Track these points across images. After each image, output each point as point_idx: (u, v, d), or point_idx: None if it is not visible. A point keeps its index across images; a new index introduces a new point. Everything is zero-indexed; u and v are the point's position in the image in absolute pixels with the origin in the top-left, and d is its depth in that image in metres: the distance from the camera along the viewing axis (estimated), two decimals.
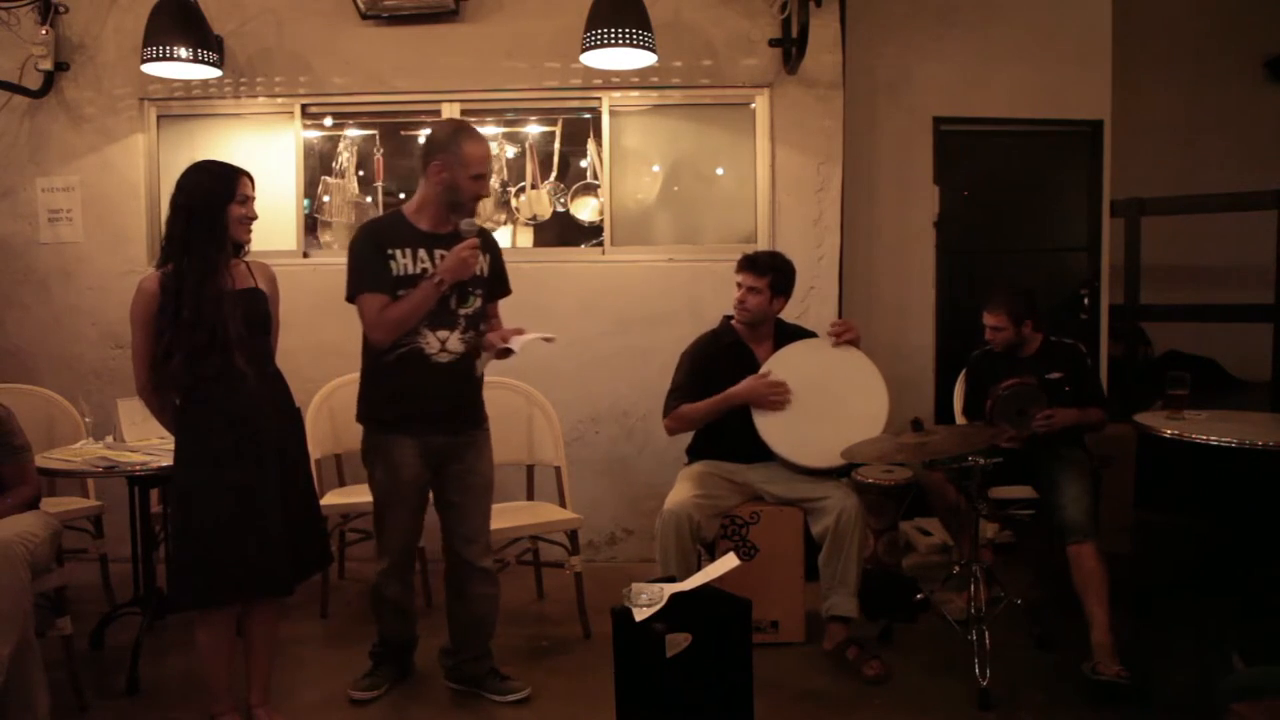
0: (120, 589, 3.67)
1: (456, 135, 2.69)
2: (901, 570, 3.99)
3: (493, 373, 2.92)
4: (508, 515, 3.36)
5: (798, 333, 3.42)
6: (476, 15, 4.22)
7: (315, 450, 3.42)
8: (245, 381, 2.47)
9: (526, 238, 4.53)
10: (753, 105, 4.27)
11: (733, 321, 3.40)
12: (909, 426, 3.10)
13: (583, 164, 4.53)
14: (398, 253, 2.68)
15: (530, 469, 3.74)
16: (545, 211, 4.51)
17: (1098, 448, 3.53)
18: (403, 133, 4.60)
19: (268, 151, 4.36)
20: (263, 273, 2.63)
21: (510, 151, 4.53)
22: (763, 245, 4.12)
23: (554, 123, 4.49)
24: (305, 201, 4.41)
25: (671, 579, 2.66)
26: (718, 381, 3.28)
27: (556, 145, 4.51)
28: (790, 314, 3.49)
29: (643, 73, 4.07)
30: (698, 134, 4.42)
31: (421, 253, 2.70)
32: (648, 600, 2.37)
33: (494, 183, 4.27)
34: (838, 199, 4.23)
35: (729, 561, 2.59)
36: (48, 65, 4.20)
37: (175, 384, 2.47)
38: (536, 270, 4.13)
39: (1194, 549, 4.11)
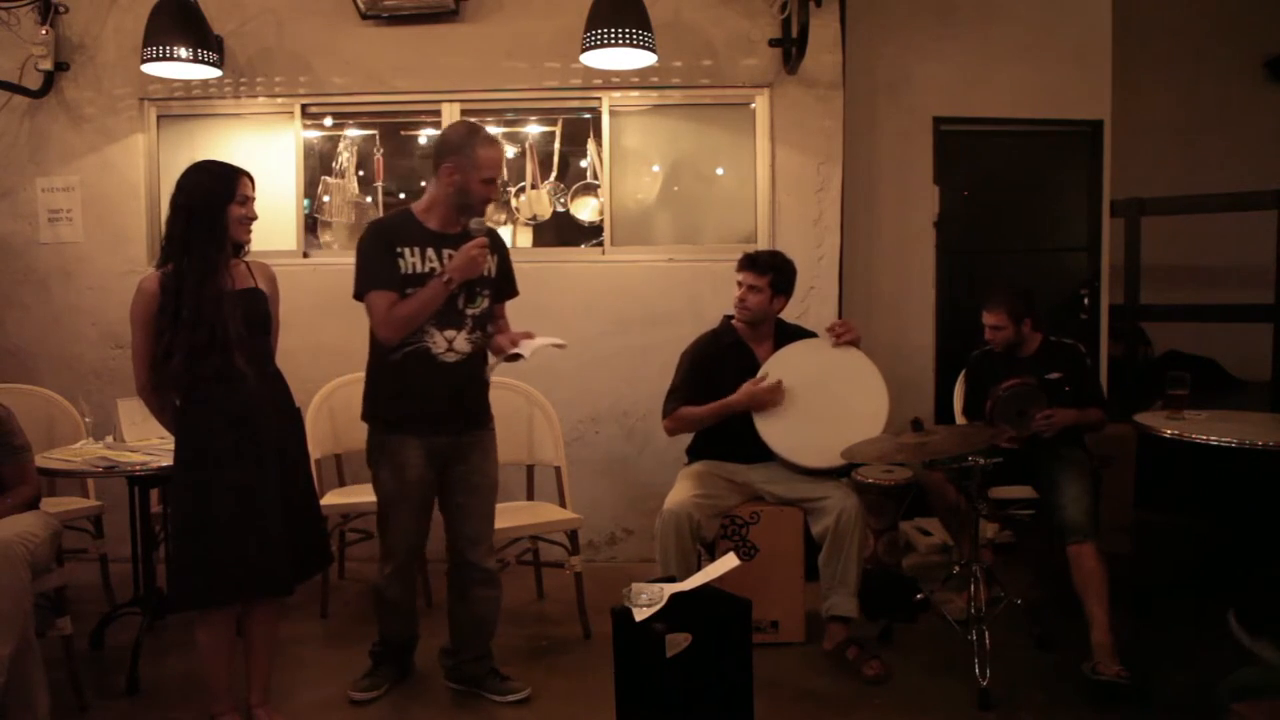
0: (120, 589, 3.67)
1: (470, 138, 2.69)
2: (901, 570, 3.99)
3: (496, 374, 2.92)
4: (508, 515, 3.36)
5: (798, 333, 3.43)
6: (476, 15, 4.22)
7: (315, 450, 3.41)
8: (245, 381, 2.47)
9: (526, 238, 4.53)
10: (753, 105, 4.27)
11: (733, 321, 3.40)
12: (909, 426, 3.10)
13: (583, 164, 4.53)
14: (406, 251, 2.68)
15: (530, 469, 3.74)
16: (545, 211, 4.52)
17: (1098, 448, 3.53)
18: (403, 133, 4.60)
19: (268, 151, 4.36)
20: (263, 273, 2.64)
21: (510, 151, 4.53)
22: (763, 245, 4.12)
23: (554, 123, 4.50)
24: (305, 201, 4.41)
25: (671, 579, 2.66)
26: (718, 381, 3.28)
27: (556, 145, 4.51)
28: (790, 314, 3.49)
29: (643, 73, 4.07)
30: (698, 134, 4.42)
31: (430, 252, 2.70)
32: (648, 600, 2.37)
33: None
34: (838, 199, 4.23)
35: (729, 561, 2.59)
36: (48, 65, 4.20)
37: (175, 384, 2.47)
38: (536, 270, 4.12)
39: (1194, 549, 4.11)
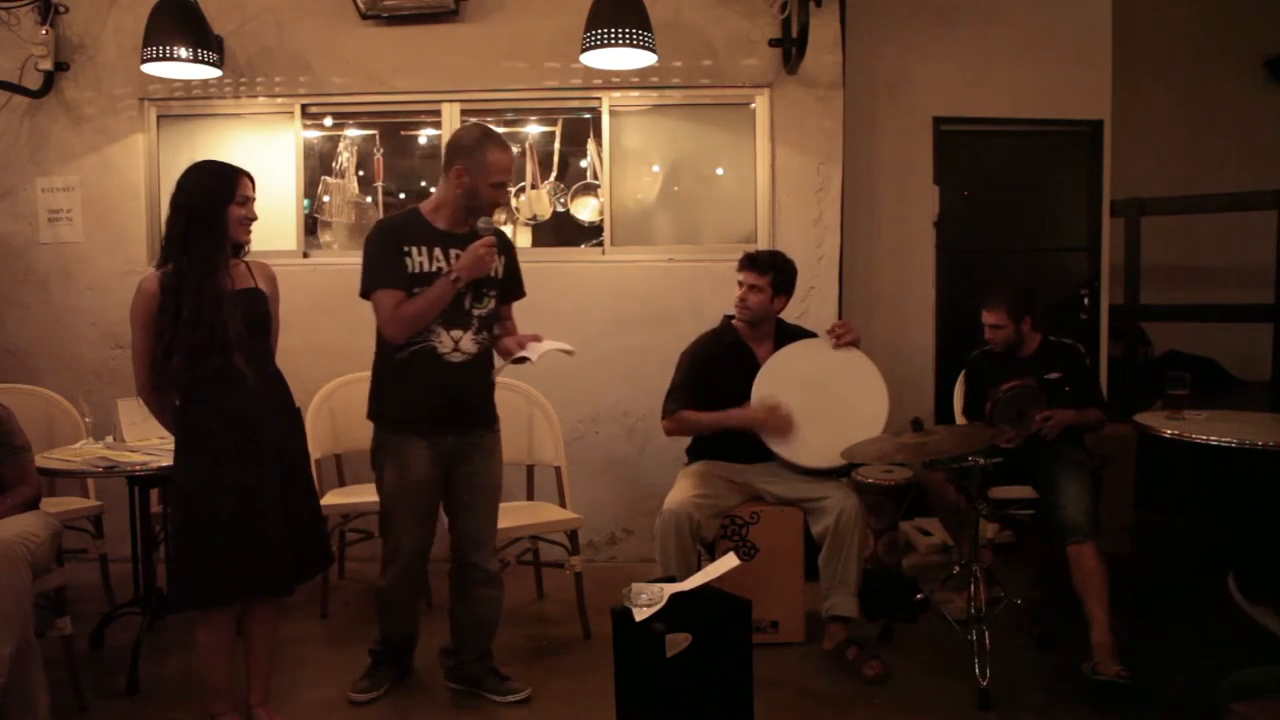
0: (120, 589, 3.67)
1: (482, 142, 2.69)
2: (901, 570, 3.99)
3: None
4: (508, 515, 3.34)
5: (798, 333, 3.42)
6: (476, 15, 4.22)
7: (315, 450, 3.41)
8: (245, 381, 2.47)
9: (526, 238, 4.52)
10: (753, 105, 4.27)
11: (733, 321, 3.40)
12: (909, 426, 3.10)
13: (583, 164, 4.53)
14: (414, 250, 2.68)
15: (530, 469, 3.74)
16: (545, 211, 4.51)
17: (1098, 448, 3.53)
18: (403, 133, 4.60)
19: (268, 151, 4.36)
20: (262, 273, 2.64)
21: None
22: (763, 245, 4.12)
23: (554, 123, 4.50)
24: (305, 201, 4.41)
25: (671, 579, 2.66)
26: (718, 381, 3.28)
27: (556, 145, 4.51)
28: (790, 314, 3.49)
29: (643, 73, 4.07)
30: (698, 134, 4.42)
31: (437, 251, 2.70)
32: (648, 600, 2.37)
33: None
34: (838, 199, 4.23)
35: (729, 561, 2.59)
36: (48, 65, 4.20)
37: (175, 384, 2.47)
38: (536, 270, 4.09)
39: (1194, 549, 4.11)
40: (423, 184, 4.63)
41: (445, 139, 4.16)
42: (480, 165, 2.67)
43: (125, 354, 3.89)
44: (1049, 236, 5.03)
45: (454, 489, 2.81)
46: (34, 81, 4.24)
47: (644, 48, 3.65)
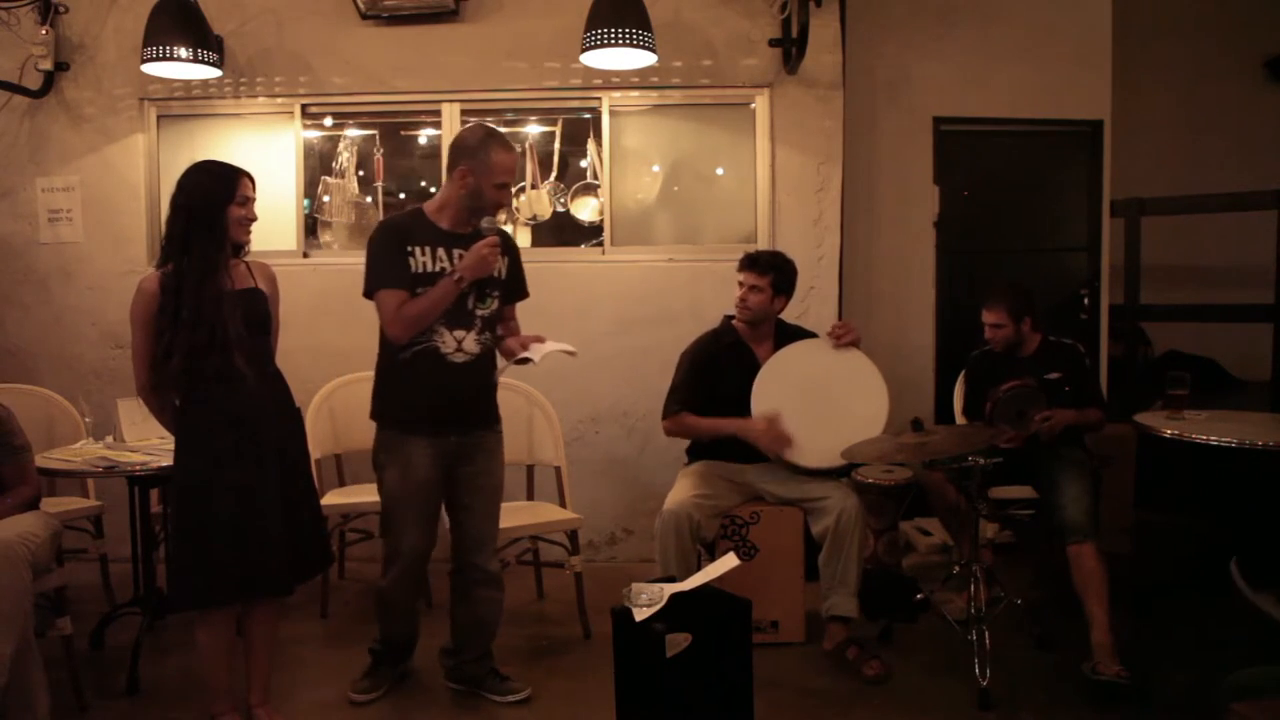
0: (120, 589, 3.67)
1: (486, 143, 2.69)
2: (901, 570, 3.99)
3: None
4: (508, 515, 3.34)
5: (798, 333, 3.42)
6: (476, 15, 4.22)
7: (315, 450, 3.41)
8: (245, 381, 2.47)
9: (526, 238, 4.52)
10: (753, 105, 4.27)
11: (733, 321, 3.40)
12: (909, 426, 3.10)
13: (583, 164, 4.53)
14: (417, 250, 2.68)
15: (530, 469, 3.74)
16: (545, 211, 4.51)
17: (1098, 448, 3.53)
18: (403, 133, 4.60)
19: (268, 151, 4.36)
20: (262, 273, 2.63)
21: None
22: (763, 245, 4.12)
23: (554, 123, 4.50)
24: (305, 201, 4.41)
25: (671, 579, 2.66)
26: (718, 381, 3.29)
27: (556, 145, 4.51)
28: (790, 314, 3.49)
29: (643, 73, 4.07)
30: (698, 134, 4.42)
31: (441, 251, 2.70)
32: (648, 600, 2.37)
33: None
34: (838, 199, 4.23)
35: (729, 561, 2.59)
36: (48, 65, 4.20)
37: (175, 384, 2.47)
38: (536, 270, 4.07)
39: (1194, 549, 4.11)
40: (423, 184, 4.63)
41: (445, 139, 4.18)
42: (484, 166, 2.67)
43: (125, 354, 3.89)
44: (1049, 236, 5.03)
45: (455, 489, 2.81)
46: (34, 81, 4.24)
47: (644, 48, 3.65)
